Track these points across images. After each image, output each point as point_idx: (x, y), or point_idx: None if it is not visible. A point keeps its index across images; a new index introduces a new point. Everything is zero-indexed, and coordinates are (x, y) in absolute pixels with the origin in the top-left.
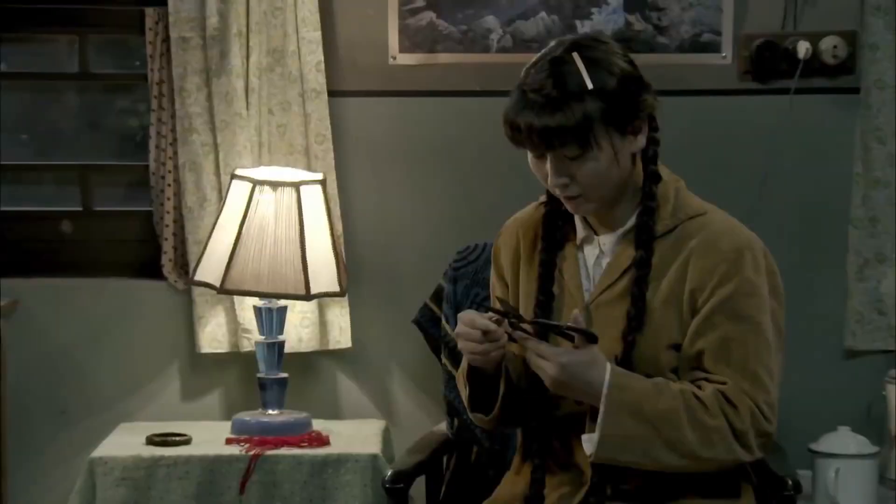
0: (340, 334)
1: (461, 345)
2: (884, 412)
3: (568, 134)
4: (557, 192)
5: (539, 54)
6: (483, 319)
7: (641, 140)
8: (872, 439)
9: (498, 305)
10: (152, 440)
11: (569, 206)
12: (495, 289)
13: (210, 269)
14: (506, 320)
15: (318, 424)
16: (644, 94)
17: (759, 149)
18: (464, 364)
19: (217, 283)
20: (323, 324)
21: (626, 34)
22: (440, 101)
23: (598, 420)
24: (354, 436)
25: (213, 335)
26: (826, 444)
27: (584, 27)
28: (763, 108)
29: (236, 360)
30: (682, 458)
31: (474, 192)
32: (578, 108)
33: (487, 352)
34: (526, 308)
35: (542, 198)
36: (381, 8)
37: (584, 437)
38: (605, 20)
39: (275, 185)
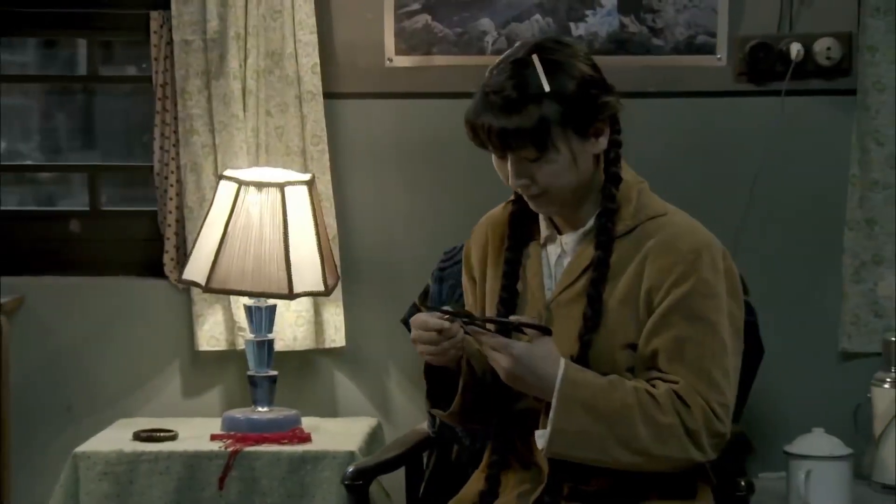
0: (336, 333)
1: (419, 349)
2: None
3: (525, 136)
4: (520, 192)
5: (503, 56)
6: (435, 320)
7: (603, 142)
8: (861, 442)
9: (469, 304)
10: (139, 436)
11: (532, 206)
12: (466, 289)
13: (197, 268)
14: (458, 320)
15: (311, 422)
16: (605, 97)
17: (754, 150)
18: (423, 366)
19: (203, 282)
20: (318, 323)
21: (620, 36)
22: (436, 102)
23: (551, 415)
24: (340, 433)
25: (210, 333)
26: (799, 445)
27: (578, 29)
28: (758, 110)
29: (234, 357)
30: (634, 455)
31: (469, 193)
32: (535, 110)
33: (446, 350)
34: (491, 306)
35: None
36: (378, 11)
37: (538, 432)
38: (599, 22)
39: (260, 185)
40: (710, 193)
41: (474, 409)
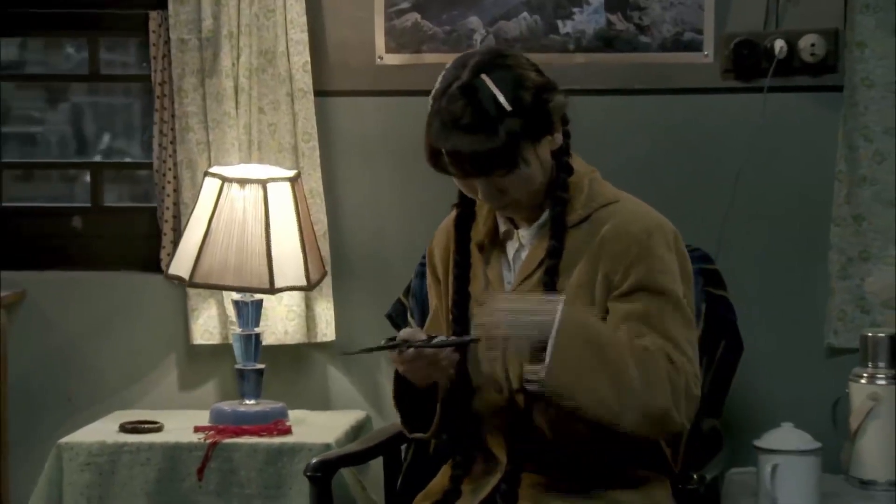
0: (326, 327)
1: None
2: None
3: (496, 156)
4: (492, 207)
5: (444, 81)
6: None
7: (559, 137)
8: (841, 437)
9: (435, 304)
10: (124, 427)
11: (499, 213)
12: (430, 288)
13: (183, 262)
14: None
15: (299, 414)
16: (556, 98)
17: (740, 147)
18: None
19: (187, 276)
20: (310, 317)
21: (607, 34)
22: (425, 100)
23: (552, 334)
24: (323, 426)
25: (204, 327)
26: (767, 440)
27: (565, 27)
28: (745, 107)
29: (228, 351)
30: (620, 396)
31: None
32: (502, 129)
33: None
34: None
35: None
36: (368, 10)
37: (528, 373)
38: (586, 20)
39: (243, 182)
40: (696, 190)
41: (451, 421)
